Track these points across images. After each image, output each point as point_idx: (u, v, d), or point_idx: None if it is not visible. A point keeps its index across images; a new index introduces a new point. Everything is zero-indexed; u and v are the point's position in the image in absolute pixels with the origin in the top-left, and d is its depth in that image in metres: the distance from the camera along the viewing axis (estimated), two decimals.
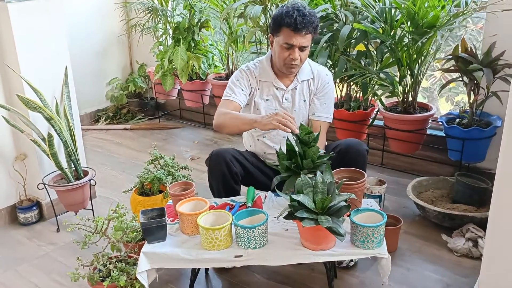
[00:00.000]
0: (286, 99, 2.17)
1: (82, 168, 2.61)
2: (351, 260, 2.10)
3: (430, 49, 2.62)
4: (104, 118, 4.27)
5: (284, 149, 1.83)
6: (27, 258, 2.30)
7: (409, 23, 2.55)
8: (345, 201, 1.61)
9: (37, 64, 2.45)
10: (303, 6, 2.02)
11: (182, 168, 2.52)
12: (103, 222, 1.87)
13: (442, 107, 3.58)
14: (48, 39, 2.49)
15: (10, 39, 2.35)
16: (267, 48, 3.29)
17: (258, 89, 2.17)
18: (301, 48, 2.02)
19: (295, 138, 1.79)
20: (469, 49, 2.49)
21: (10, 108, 2.36)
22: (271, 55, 2.17)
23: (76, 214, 2.59)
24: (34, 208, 2.58)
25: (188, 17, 3.68)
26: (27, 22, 2.38)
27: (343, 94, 2.98)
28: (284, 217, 1.64)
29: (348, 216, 1.69)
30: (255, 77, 2.18)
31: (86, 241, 1.85)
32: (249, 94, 2.18)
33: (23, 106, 2.34)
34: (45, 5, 2.45)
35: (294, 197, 1.60)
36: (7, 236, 2.49)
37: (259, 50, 3.38)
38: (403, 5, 2.49)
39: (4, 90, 2.45)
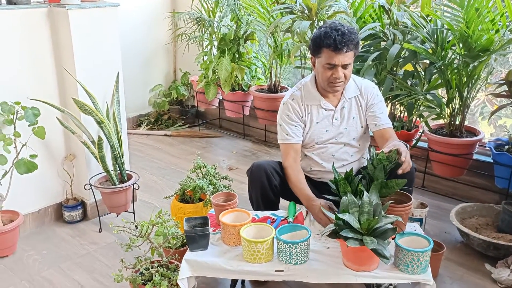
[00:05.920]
0: (336, 119, 2.16)
1: (126, 172, 2.68)
2: (390, 284, 2.06)
3: (481, 72, 2.56)
4: (145, 123, 4.38)
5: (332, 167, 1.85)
6: (70, 256, 2.38)
7: (461, 45, 2.50)
8: (391, 223, 1.59)
9: (92, 69, 2.54)
10: (341, 24, 2.00)
11: (222, 178, 2.55)
12: (147, 226, 1.91)
13: (483, 130, 3.48)
14: (103, 46, 2.58)
15: (68, 44, 2.45)
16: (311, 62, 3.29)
17: (308, 113, 2.16)
18: (344, 66, 2.01)
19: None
20: None
21: (65, 110, 2.46)
22: (315, 76, 2.16)
23: (117, 216, 2.67)
24: (79, 207, 2.67)
25: (235, 29, 3.75)
26: (85, 28, 2.48)
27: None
28: (328, 235, 1.64)
29: (393, 239, 1.67)
30: (303, 104, 2.15)
31: (131, 244, 1.90)
32: (303, 124, 2.16)
33: (76, 108, 2.44)
34: (102, 12, 2.54)
35: (340, 215, 1.59)
36: (52, 233, 2.58)
37: (303, 65, 3.40)
38: (456, 27, 2.45)
39: (60, 93, 2.56)
